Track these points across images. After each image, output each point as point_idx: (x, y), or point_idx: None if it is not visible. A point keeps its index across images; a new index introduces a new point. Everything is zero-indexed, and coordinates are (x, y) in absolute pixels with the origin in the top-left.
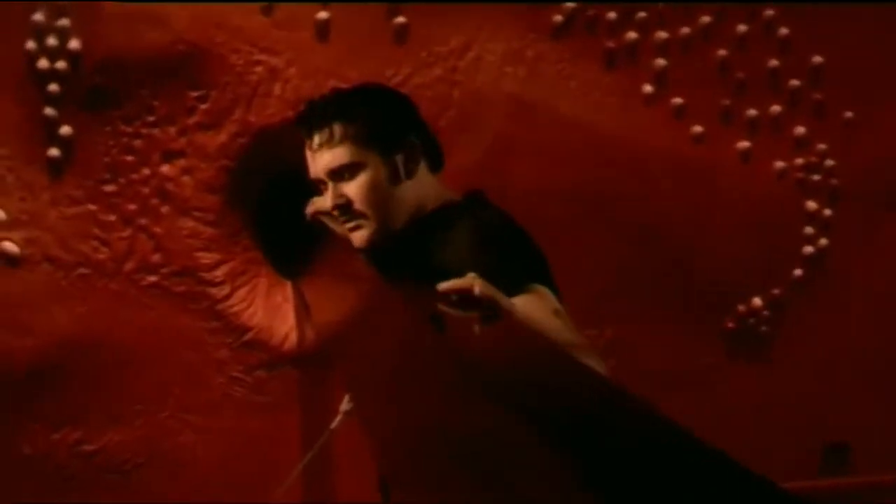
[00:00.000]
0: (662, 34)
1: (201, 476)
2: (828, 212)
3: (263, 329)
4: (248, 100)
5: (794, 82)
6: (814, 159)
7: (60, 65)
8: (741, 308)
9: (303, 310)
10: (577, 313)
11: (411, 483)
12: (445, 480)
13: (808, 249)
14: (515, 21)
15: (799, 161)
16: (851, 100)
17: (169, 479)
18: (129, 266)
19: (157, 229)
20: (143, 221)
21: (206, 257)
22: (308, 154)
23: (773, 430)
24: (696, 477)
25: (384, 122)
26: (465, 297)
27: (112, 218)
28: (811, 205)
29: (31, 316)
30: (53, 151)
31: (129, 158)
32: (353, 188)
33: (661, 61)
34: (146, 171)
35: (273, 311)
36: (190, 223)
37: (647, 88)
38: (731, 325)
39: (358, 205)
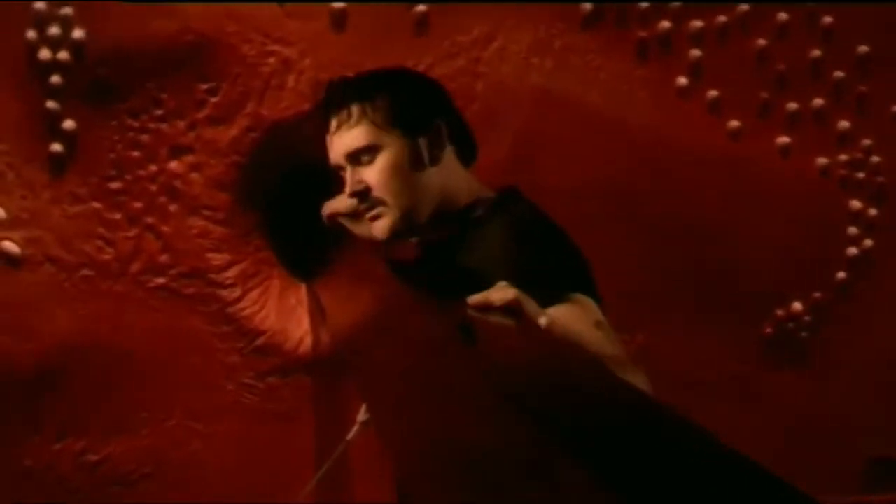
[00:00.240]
0: (697, 23)
1: (210, 487)
2: (873, 211)
3: (276, 333)
4: (261, 92)
5: (838, 74)
6: (858, 155)
7: (63, 55)
8: (780, 313)
9: (317, 313)
10: (607, 317)
11: (432, 498)
12: (468, 496)
13: (852, 251)
14: (542, 10)
15: (842, 157)
16: None
17: (176, 490)
18: (135, 267)
19: (165, 229)
20: (149, 220)
21: (216, 258)
22: (328, 139)
23: (814, 443)
24: (739, 500)
25: (406, 102)
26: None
27: (117, 217)
28: (855, 204)
29: (32, 319)
30: (56, 147)
31: (136, 154)
32: (373, 173)
33: (695, 52)
34: (153, 168)
35: (286, 314)
36: (199, 222)
37: (682, 81)
38: (769, 330)
39: (377, 191)
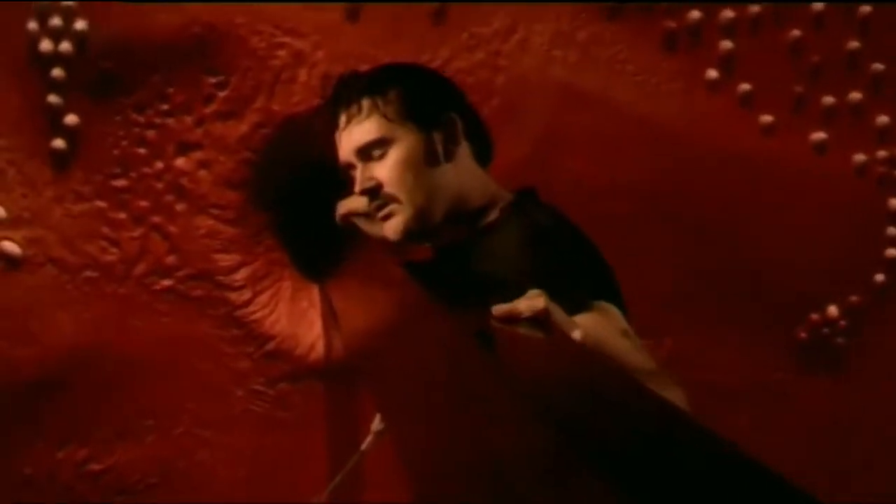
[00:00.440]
0: (729, 13)
1: (218, 498)
2: None
3: (287, 338)
4: (271, 86)
5: (877, 66)
6: None
7: (65, 47)
8: (815, 317)
9: (330, 316)
10: (633, 322)
11: None
12: None
13: (891, 252)
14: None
15: (881, 154)
16: None
17: (183, 501)
18: (140, 269)
19: (172, 228)
20: (156, 220)
21: (225, 259)
22: (337, 137)
23: (850, 453)
24: None
25: (419, 95)
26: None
27: (122, 216)
28: (894, 203)
29: (33, 323)
30: (58, 143)
31: (141, 151)
32: (384, 168)
33: (727, 43)
34: (159, 165)
35: (298, 317)
36: (207, 222)
37: (712, 74)
38: (803, 335)
39: (389, 186)
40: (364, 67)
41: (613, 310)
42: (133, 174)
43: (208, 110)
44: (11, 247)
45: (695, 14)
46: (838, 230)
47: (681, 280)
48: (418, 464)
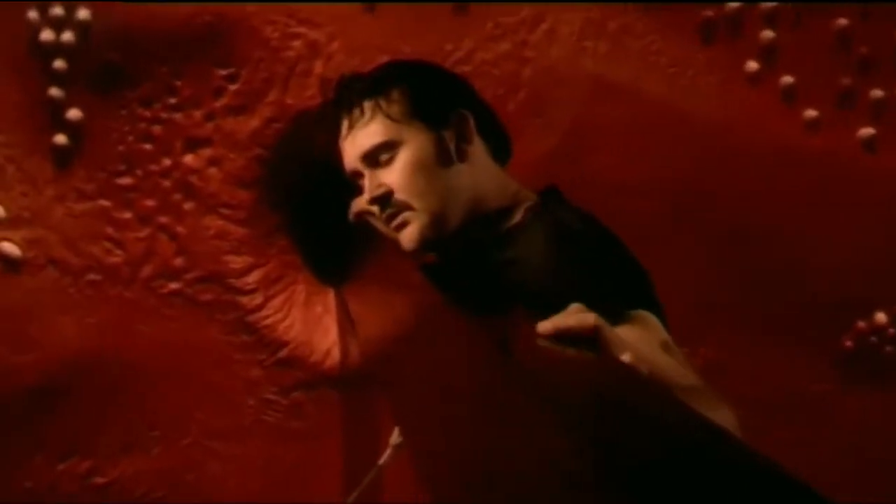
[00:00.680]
0: (770, 1)
1: None
2: None
3: (301, 344)
4: (285, 79)
5: None
6: None
7: (67, 37)
8: (862, 324)
9: (346, 322)
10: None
11: None
12: None
13: None
14: None
15: None
16: None
17: None
18: (146, 271)
19: (180, 229)
20: (162, 220)
21: (236, 261)
22: (342, 145)
23: None
24: None
25: (425, 92)
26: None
27: (127, 216)
28: None
29: (34, 328)
30: (59, 139)
31: (148, 147)
32: (394, 173)
33: (768, 33)
34: (167, 162)
35: (312, 323)
36: (217, 222)
37: (752, 65)
38: (849, 344)
39: (401, 193)
40: (383, 59)
41: (653, 320)
42: (139, 172)
43: (218, 104)
44: (11, 248)
45: (733, 2)
46: (886, 232)
47: (716, 285)
48: (437, 476)
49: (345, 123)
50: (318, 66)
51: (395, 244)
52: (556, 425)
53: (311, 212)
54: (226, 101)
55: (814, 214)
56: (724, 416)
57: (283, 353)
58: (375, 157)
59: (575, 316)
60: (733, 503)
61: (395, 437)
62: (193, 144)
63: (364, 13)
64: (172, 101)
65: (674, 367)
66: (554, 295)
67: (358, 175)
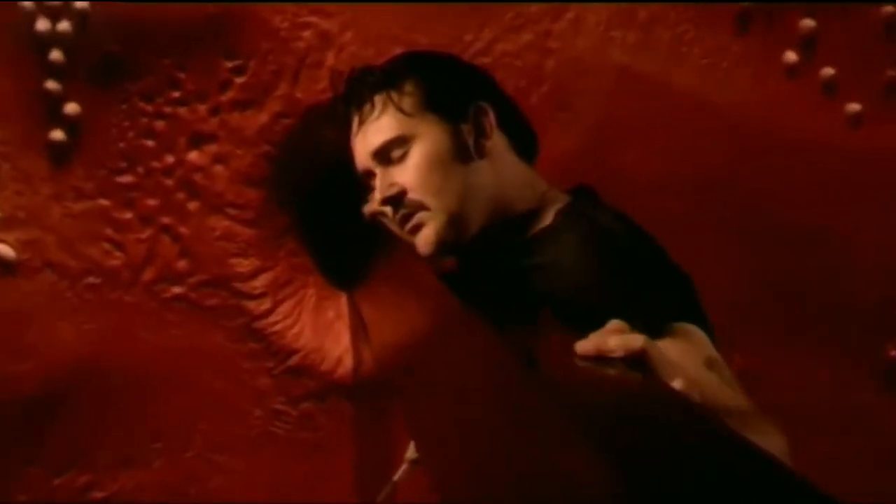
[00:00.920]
0: None
1: None
2: None
3: (311, 351)
4: (295, 72)
5: None
6: None
7: (64, 27)
8: None
9: (360, 328)
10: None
11: None
12: None
13: None
14: None
15: None
16: None
17: None
18: (148, 274)
19: (183, 230)
20: (165, 220)
21: (243, 264)
22: (353, 143)
23: None
24: None
25: (441, 82)
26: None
27: (128, 216)
28: None
29: (29, 334)
30: (56, 134)
31: (150, 143)
32: (407, 171)
33: (807, 22)
34: (170, 159)
35: (323, 329)
36: (223, 222)
37: (790, 56)
38: (893, 353)
39: (415, 192)
40: (398, 50)
41: (698, 333)
42: (140, 169)
43: (224, 98)
44: (5, 250)
45: None
46: None
47: (751, 289)
48: (453, 492)
49: (355, 120)
50: (330, 58)
51: (410, 246)
52: (584, 446)
53: (323, 212)
54: (232, 94)
55: (855, 214)
56: (774, 443)
57: (292, 361)
58: (387, 154)
59: (620, 337)
60: None
61: (410, 451)
62: (198, 140)
63: (378, 1)
64: (176, 94)
65: (720, 388)
66: (588, 304)
67: (370, 175)
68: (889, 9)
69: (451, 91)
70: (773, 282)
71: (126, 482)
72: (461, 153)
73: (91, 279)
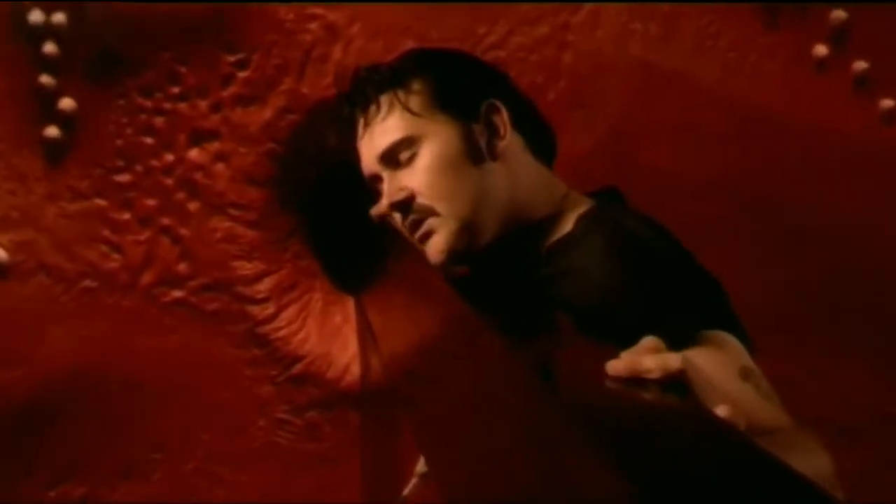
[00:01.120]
0: None
1: None
2: None
3: (317, 358)
4: (300, 66)
5: None
6: None
7: (58, 18)
8: None
9: (368, 335)
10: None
11: None
12: None
13: None
14: None
15: None
16: None
17: None
18: (146, 278)
19: (184, 231)
20: (165, 221)
21: (246, 267)
22: (359, 147)
23: None
24: None
25: (449, 80)
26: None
27: (126, 216)
28: None
29: (22, 341)
30: (51, 131)
31: (148, 141)
32: (415, 174)
33: (839, 13)
34: (169, 157)
35: (330, 335)
36: (225, 224)
37: (821, 50)
38: None
39: (424, 196)
40: (408, 44)
41: (731, 341)
42: (138, 168)
43: (227, 93)
44: None
45: None
46: None
47: (782, 295)
48: None
49: (360, 122)
50: (337, 51)
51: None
52: (603, 466)
53: (329, 212)
54: (235, 89)
55: (891, 215)
56: (818, 462)
57: (297, 368)
58: (395, 157)
59: (656, 357)
60: None
61: (421, 465)
62: (199, 138)
63: None
64: (176, 89)
65: (758, 403)
66: (613, 312)
67: (377, 180)
68: None
69: (461, 88)
70: (806, 288)
71: (124, 495)
72: (473, 154)
73: (87, 283)
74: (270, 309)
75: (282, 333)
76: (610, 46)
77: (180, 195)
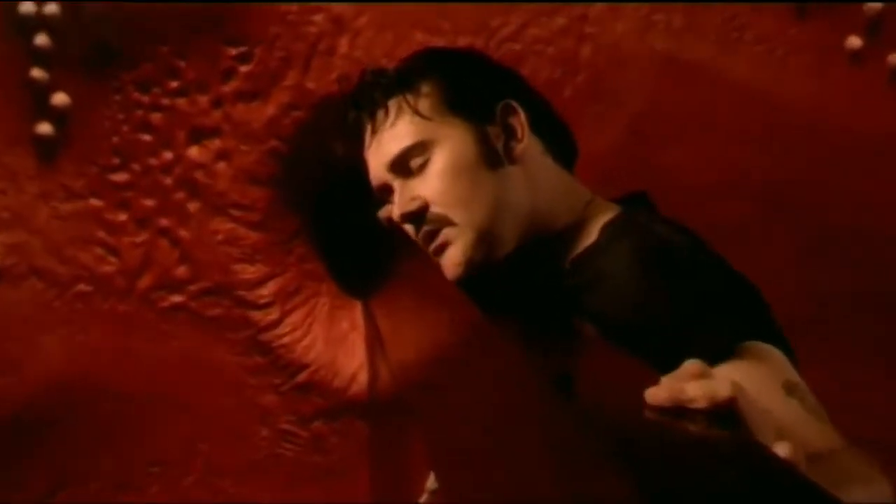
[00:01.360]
0: None
1: None
2: None
3: (323, 366)
4: (305, 60)
5: None
6: None
7: (51, 10)
8: None
9: (376, 342)
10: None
11: None
12: None
13: None
14: None
15: None
16: None
17: None
18: (144, 282)
19: (183, 233)
20: (163, 222)
21: (248, 270)
22: (367, 156)
23: None
24: None
25: (462, 81)
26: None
27: (122, 217)
28: None
29: (13, 348)
30: (43, 128)
31: (146, 138)
32: (428, 182)
33: (873, 3)
34: (168, 156)
35: (336, 342)
36: (227, 225)
37: (853, 42)
38: None
39: (437, 205)
40: (418, 36)
41: (774, 353)
42: (136, 167)
43: (228, 89)
44: None
45: None
46: None
47: (818, 302)
48: None
49: (368, 129)
50: (344, 45)
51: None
52: (627, 486)
53: (335, 213)
54: (236, 84)
55: None
56: (877, 492)
57: (302, 376)
58: (406, 164)
59: (700, 384)
60: None
61: (431, 481)
62: (199, 135)
63: None
64: (174, 84)
65: (804, 422)
66: (644, 326)
67: (387, 190)
68: None
69: (473, 88)
70: (840, 295)
71: None
72: (489, 158)
73: (81, 287)
74: (274, 314)
75: (286, 340)
76: (630, 39)
77: (179, 195)
